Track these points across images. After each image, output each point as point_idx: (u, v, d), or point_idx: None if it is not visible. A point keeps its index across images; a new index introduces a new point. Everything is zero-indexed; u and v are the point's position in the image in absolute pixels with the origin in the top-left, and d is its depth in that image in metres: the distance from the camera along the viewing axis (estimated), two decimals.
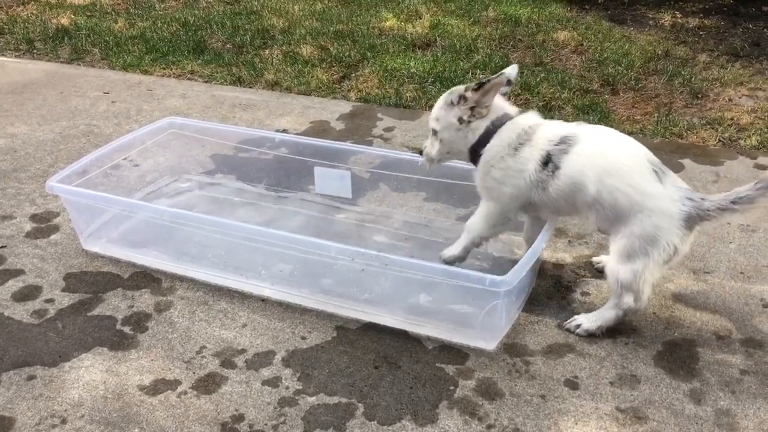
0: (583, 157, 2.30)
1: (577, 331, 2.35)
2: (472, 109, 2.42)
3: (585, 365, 2.22)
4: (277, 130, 3.99)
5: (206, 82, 4.84)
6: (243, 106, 4.37)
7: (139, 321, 2.47)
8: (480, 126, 2.43)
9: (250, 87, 4.74)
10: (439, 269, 2.22)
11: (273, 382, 2.19)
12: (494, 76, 2.38)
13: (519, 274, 2.13)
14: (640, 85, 4.54)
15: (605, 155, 2.29)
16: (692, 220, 2.25)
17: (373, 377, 2.19)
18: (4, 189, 3.39)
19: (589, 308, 2.47)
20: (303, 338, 2.37)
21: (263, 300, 2.57)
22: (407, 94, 4.49)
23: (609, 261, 2.33)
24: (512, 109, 2.49)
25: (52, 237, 2.99)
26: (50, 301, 2.58)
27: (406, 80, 4.71)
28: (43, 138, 3.98)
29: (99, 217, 2.90)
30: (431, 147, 2.56)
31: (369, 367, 2.24)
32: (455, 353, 2.28)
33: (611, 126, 3.92)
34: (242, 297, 2.59)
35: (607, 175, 2.26)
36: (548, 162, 2.32)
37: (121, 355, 2.32)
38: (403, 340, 2.35)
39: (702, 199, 2.25)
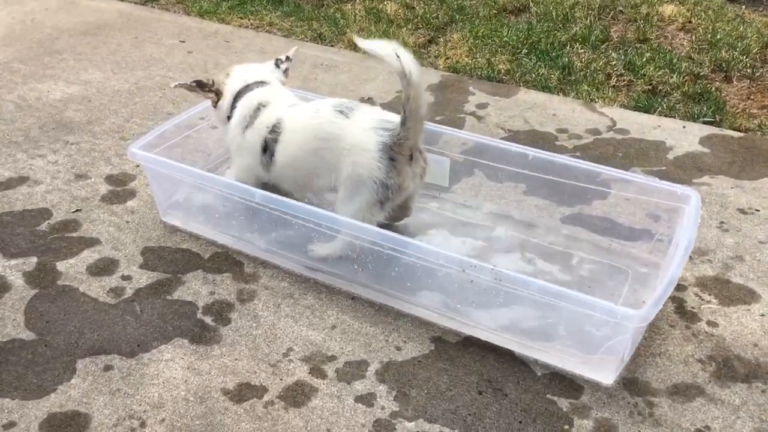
0: (287, 144, 2.44)
1: (311, 254, 2.44)
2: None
3: (717, 414, 1.97)
4: (362, 99, 3.74)
5: (285, 36, 4.59)
6: (325, 67, 4.12)
7: (221, 311, 2.29)
8: (225, 101, 2.64)
9: (332, 45, 4.47)
10: (561, 293, 1.97)
11: (367, 400, 1.99)
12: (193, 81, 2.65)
13: (655, 308, 1.88)
14: (757, 73, 4.13)
15: (298, 130, 2.43)
16: (391, 149, 2.27)
17: (477, 405, 1.98)
18: (79, 144, 3.23)
19: (717, 342, 2.21)
20: (398, 349, 2.17)
21: (353, 298, 2.36)
22: (500, 66, 4.17)
23: (336, 204, 2.40)
24: (252, 78, 2.65)
25: (129, 203, 2.82)
26: (127, 278, 2.42)
27: (499, 49, 4.38)
28: (117, 88, 3.79)
29: (180, 189, 2.71)
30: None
31: (472, 392, 2.02)
32: (568, 384, 2.05)
33: (726, 121, 3.59)
34: (330, 292, 2.38)
35: (306, 144, 2.40)
36: (266, 149, 2.49)
37: (203, 350, 2.15)
38: (509, 362, 2.12)
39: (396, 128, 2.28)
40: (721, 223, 2.76)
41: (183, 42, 4.42)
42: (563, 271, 2.46)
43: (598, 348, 2.02)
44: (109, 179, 2.97)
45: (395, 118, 2.31)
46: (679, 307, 2.34)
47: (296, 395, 2.00)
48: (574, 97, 3.86)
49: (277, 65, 2.80)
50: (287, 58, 2.83)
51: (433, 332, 2.23)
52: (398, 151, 2.27)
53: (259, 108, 2.54)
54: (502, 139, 3.36)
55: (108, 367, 2.08)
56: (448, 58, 4.31)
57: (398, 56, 2.16)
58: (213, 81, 2.67)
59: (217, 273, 2.46)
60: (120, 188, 2.92)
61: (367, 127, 2.31)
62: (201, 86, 2.65)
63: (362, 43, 2.24)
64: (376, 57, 2.22)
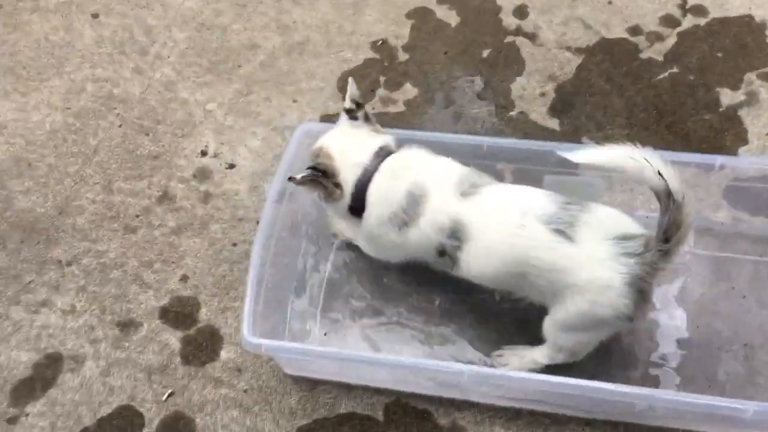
0: (479, 257, 1.84)
1: (499, 366, 2.02)
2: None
3: None
4: (374, 44, 2.91)
5: None
6: None
7: None
8: (345, 193, 1.97)
9: None
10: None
11: None
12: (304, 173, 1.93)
13: None
14: None
15: (493, 246, 1.81)
16: (642, 281, 1.70)
17: None
18: (80, 262, 2.40)
19: None
20: None
21: (588, 423, 1.99)
22: None
23: (547, 321, 1.89)
24: (365, 157, 1.95)
25: (224, 355, 2.16)
26: None
27: None
28: (49, 126, 2.77)
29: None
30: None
31: None
32: None
33: None
34: (557, 424, 2.00)
35: (506, 267, 1.81)
36: (444, 253, 1.89)
37: None
38: None
39: (645, 246, 1.69)
40: None
41: None
42: None
43: None
44: (166, 316, 2.24)
45: (634, 227, 1.75)
46: None
47: None
48: None
49: (354, 117, 2.03)
50: (358, 105, 2.02)
51: None
52: (650, 280, 1.73)
53: (413, 199, 1.88)
54: (577, 68, 2.77)
55: None
56: None
57: (660, 174, 1.57)
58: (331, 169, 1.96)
59: None
60: (192, 329, 2.22)
61: (605, 257, 1.70)
62: (326, 177, 1.95)
63: (585, 157, 1.63)
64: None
